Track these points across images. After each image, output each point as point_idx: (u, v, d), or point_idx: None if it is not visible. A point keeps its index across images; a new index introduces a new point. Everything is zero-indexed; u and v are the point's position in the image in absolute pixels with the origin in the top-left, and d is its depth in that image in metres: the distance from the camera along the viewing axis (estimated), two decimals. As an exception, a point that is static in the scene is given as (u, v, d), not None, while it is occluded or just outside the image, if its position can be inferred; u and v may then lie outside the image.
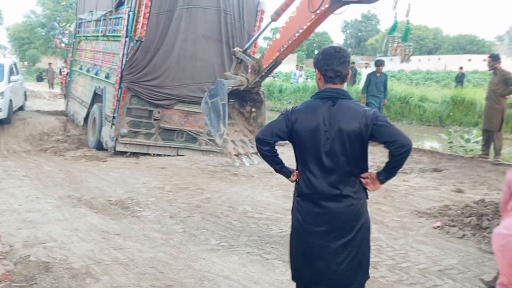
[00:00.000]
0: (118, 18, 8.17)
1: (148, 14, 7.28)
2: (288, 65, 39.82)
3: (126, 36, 7.53)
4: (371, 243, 4.38)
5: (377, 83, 9.83)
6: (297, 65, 26.90)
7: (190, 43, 7.74)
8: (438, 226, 4.95)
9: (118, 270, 3.67)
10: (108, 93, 8.23)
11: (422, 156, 8.69)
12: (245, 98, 6.74)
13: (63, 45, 16.66)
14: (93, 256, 3.91)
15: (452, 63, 49.63)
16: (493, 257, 4.14)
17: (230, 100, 6.37)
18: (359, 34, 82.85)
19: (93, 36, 10.04)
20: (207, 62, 7.86)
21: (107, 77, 8.44)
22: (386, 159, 2.39)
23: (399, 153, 2.29)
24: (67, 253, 3.95)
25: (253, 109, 6.84)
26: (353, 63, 22.94)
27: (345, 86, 13.36)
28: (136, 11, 7.34)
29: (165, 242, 4.32)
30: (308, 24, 5.17)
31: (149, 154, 8.09)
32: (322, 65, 2.44)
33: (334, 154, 2.36)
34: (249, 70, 6.32)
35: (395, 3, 4.38)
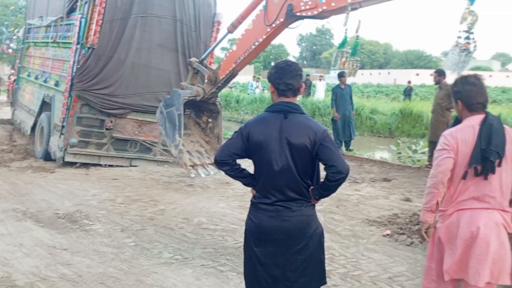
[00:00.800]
0: (70, 24, 7.91)
1: (101, 21, 7.11)
2: (245, 76, 40.05)
3: (78, 43, 7.30)
4: (325, 252, 4.51)
5: (343, 95, 10.16)
6: (254, 76, 27.17)
7: (144, 51, 7.61)
8: (388, 234, 5.11)
9: (65, 287, 3.51)
10: (57, 101, 7.91)
11: (373, 166, 8.98)
12: (202, 109, 6.70)
13: (10, 50, 15.90)
14: (39, 272, 3.72)
15: (401, 77, 51.90)
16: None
17: (186, 110, 6.32)
18: (314, 47, 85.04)
19: (42, 42, 9.65)
20: (163, 71, 7.75)
21: (56, 84, 8.13)
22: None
23: (334, 179, 2.36)
24: (10, 269, 3.73)
25: (209, 120, 6.81)
26: (308, 75, 23.50)
27: (299, 98, 13.68)
28: (88, 18, 7.14)
29: (115, 257, 4.18)
30: (264, 37, 5.27)
31: (100, 165, 7.82)
32: (275, 78, 2.49)
33: (285, 167, 2.40)
34: (206, 81, 6.31)
35: (346, 19, 4.55)
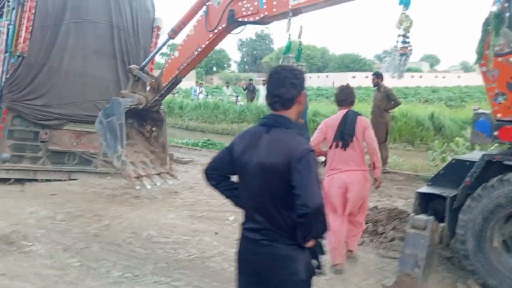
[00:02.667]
0: (-4, 31, 7.35)
1: (31, 28, 6.67)
2: (188, 82, 39.58)
3: (6, 52, 6.79)
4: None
5: None
6: (197, 82, 26.92)
7: (79, 59, 7.24)
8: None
9: (2, 318, 3.20)
10: (-14, 114, 7.30)
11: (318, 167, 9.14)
12: (145, 117, 6.45)
13: None
14: (-29, 304, 3.36)
15: (339, 80, 53.69)
16: (392, 261, 4.47)
17: (128, 119, 6.06)
18: (255, 52, 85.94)
19: (-36, 50, 8.88)
20: (100, 79, 7.41)
21: (-17, 96, 7.50)
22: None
23: (298, 214, 1.96)
24: None
25: (153, 129, 6.56)
26: (251, 80, 23.65)
27: (243, 102, 13.65)
28: (17, 25, 6.67)
29: (59, 279, 3.90)
30: (207, 42, 5.18)
31: (36, 180, 7.31)
32: (267, 89, 2.19)
33: (256, 191, 2.10)
34: (148, 88, 6.09)
35: (288, 25, 4.58)
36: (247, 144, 2.16)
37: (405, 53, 3.91)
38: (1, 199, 6.44)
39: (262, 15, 4.70)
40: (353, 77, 52.54)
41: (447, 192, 4.13)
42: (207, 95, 24.18)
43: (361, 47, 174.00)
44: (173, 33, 5.52)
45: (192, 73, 53.17)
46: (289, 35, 4.71)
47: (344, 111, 4.28)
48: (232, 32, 5.15)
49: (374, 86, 8.49)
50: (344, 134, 4.15)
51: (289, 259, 2.06)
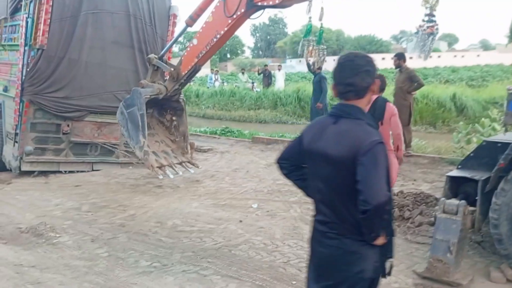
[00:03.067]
0: (15, 25, 7.42)
1: (49, 21, 6.67)
2: (203, 69, 39.44)
3: (26, 45, 6.82)
4: (307, 244, 4.45)
5: (313, 84, 9.93)
6: (212, 69, 26.80)
7: (98, 50, 7.23)
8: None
9: (36, 309, 3.25)
10: (7, 107, 7.41)
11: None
12: (164, 107, 6.45)
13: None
14: (6, 296, 3.42)
15: (355, 62, 52.95)
16: (421, 247, 4.40)
17: (148, 109, 6.06)
18: (268, 37, 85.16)
19: (-15, 45, 8.98)
20: (119, 69, 7.41)
21: (5, 90, 7.62)
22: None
23: (361, 211, 1.88)
24: (-28, 296, 3.41)
25: (173, 118, 6.57)
26: (266, 65, 23.45)
27: (259, 89, 13.52)
28: (35, 18, 6.68)
29: (89, 270, 3.92)
30: (225, 29, 5.11)
31: (60, 172, 7.40)
32: (335, 78, 2.08)
33: (323, 182, 2.03)
34: (167, 78, 6.06)
35: (309, 7, 4.47)
36: (313, 135, 2.09)
37: (432, 32, 3.78)
38: (26, 191, 6.55)
39: None
40: (370, 59, 51.65)
41: (479, 175, 4.01)
42: (222, 82, 24.11)
43: (377, 28, 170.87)
44: (191, 21, 5.47)
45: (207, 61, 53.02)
46: (310, 17, 4.61)
47: (374, 96, 4.44)
48: (251, 17, 5.05)
49: (396, 67, 8.28)
50: (374, 118, 4.31)
51: (356, 255, 1.99)
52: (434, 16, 3.85)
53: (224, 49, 69.08)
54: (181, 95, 6.38)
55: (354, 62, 2.02)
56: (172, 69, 5.80)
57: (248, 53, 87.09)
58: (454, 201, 3.92)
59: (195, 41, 5.49)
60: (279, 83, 20.53)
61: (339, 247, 2.00)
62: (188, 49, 5.64)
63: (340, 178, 1.97)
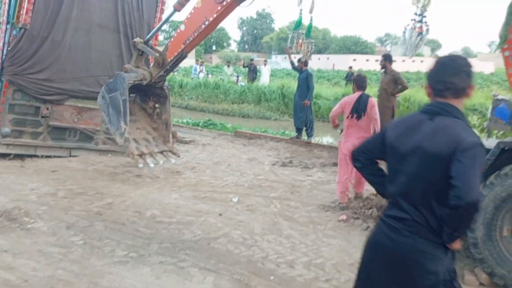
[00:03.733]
0: (-4, 2, 7.15)
1: (33, -1, 6.47)
2: (187, 60, 39.05)
3: (8, 23, 6.60)
4: (286, 240, 4.46)
5: (298, 80, 9.87)
6: (196, 60, 26.60)
7: (83, 32, 7.05)
8: (343, 220, 5.17)
9: (8, 295, 3.16)
10: (-15, 87, 7.15)
11: (322, 151, 9.10)
12: (148, 93, 6.32)
13: None
14: (-25, 281, 3.31)
15: (340, 62, 53.34)
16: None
17: (131, 95, 5.93)
18: (255, 31, 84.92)
19: (-38, 21, 8.66)
20: (103, 53, 7.24)
21: (-18, 69, 7.34)
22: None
23: (451, 206, 1.86)
24: None
25: (156, 105, 6.43)
26: (252, 59, 23.38)
27: (244, 83, 13.51)
28: (19, -5, 6.46)
29: (63, 257, 3.84)
30: (214, 15, 5.02)
31: (36, 156, 7.21)
32: (433, 76, 2.08)
33: (409, 177, 2.02)
34: (152, 63, 5.94)
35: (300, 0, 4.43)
36: (404, 130, 2.09)
37: (421, 32, 3.80)
38: (1, 174, 6.35)
39: None
40: (354, 59, 52.14)
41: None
42: (207, 74, 23.92)
43: (362, 30, 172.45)
44: (179, 6, 5.35)
45: (191, 52, 52.58)
46: (301, 10, 4.59)
47: (359, 93, 5.60)
48: (241, 4, 4.97)
49: (382, 68, 8.35)
50: (359, 110, 5.50)
51: (430, 256, 1.97)
52: (425, 16, 3.87)
53: (209, 41, 68.56)
54: (165, 83, 6.26)
55: (456, 62, 2.06)
56: (158, 55, 5.68)
57: (234, 46, 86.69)
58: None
59: (182, 27, 5.38)
60: (264, 78, 20.50)
61: (413, 245, 1.98)
62: (175, 34, 5.53)
63: (431, 173, 1.96)
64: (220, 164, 7.86)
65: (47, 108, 6.99)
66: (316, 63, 53.60)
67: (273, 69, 33.68)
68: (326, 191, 6.35)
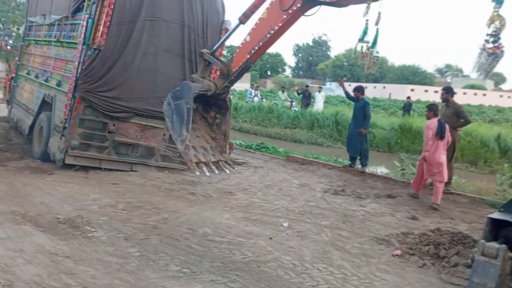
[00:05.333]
0: (75, 24, 7.76)
1: (108, 23, 6.97)
2: (242, 84, 39.98)
3: (84, 44, 7.13)
4: (337, 271, 4.39)
5: (354, 109, 9.79)
6: (252, 84, 27.15)
7: (151, 56, 7.48)
8: (398, 255, 5.00)
9: (69, 299, 3.34)
10: (58, 101, 7.73)
11: (376, 181, 8.89)
12: (210, 103, 6.43)
13: (8, 47, 15.65)
14: (41, 281, 3.54)
15: (396, 92, 52.29)
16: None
17: (194, 103, 6.09)
18: (310, 58, 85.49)
19: (44, 40, 9.47)
20: (168, 76, 7.61)
21: (58, 84, 7.96)
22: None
23: None
24: (12, 277, 3.55)
25: (217, 116, 6.51)
26: (307, 86, 23.51)
27: (297, 108, 13.66)
28: (95, 19, 6.99)
29: (121, 267, 4.01)
30: (280, 24, 5.04)
31: (99, 168, 7.64)
32: None
33: None
34: (218, 74, 6.07)
35: (367, 9, 4.40)
36: None
37: (494, 53, 3.65)
38: (66, 183, 6.79)
39: None
40: (412, 90, 50.88)
41: (522, 220, 3.87)
42: (261, 99, 24.32)
43: (422, 59, 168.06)
44: (244, 18, 5.44)
45: (247, 76, 53.61)
46: (367, 20, 4.53)
47: (436, 118, 7.39)
48: (306, 13, 5.01)
49: (443, 101, 8.12)
50: (442, 132, 7.21)
51: None
52: (499, 38, 3.70)
53: (265, 66, 69.76)
54: (228, 94, 6.37)
55: None
56: (223, 66, 5.78)
57: (288, 72, 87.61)
58: (494, 245, 3.79)
59: (247, 38, 5.44)
60: (318, 104, 20.51)
61: None
62: (240, 46, 5.59)
63: None
64: (271, 187, 7.91)
65: (114, 125, 7.41)
66: (372, 91, 52.83)
67: (327, 96, 33.62)
68: (380, 223, 6.18)
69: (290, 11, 4.86)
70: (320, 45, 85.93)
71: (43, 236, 4.55)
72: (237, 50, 5.56)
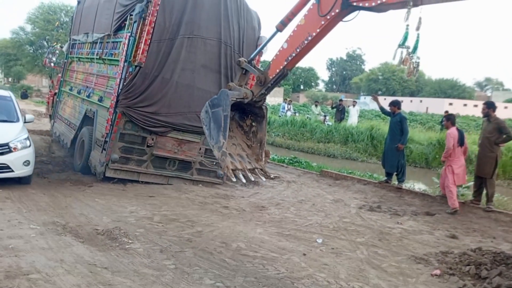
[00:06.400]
0: (117, 42, 8.08)
1: (149, 41, 7.22)
2: (275, 98, 40.16)
3: (125, 61, 7.41)
4: (372, 290, 4.28)
5: (390, 123, 9.68)
6: (285, 99, 27.21)
7: (189, 72, 7.67)
8: (437, 274, 4.84)
9: (107, 309, 3.42)
10: (100, 116, 8.03)
11: (414, 198, 8.66)
12: (246, 111, 6.46)
13: (52, 64, 16.42)
14: (81, 292, 3.65)
15: (434, 106, 50.97)
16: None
17: (231, 112, 6.16)
18: (344, 72, 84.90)
19: (87, 58, 9.90)
20: (205, 92, 7.76)
21: (100, 100, 8.27)
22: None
23: None
24: (53, 287, 3.68)
25: (253, 124, 6.52)
26: (341, 100, 23.30)
27: (331, 122, 13.68)
28: (137, 37, 7.27)
29: (156, 279, 4.08)
30: (318, 30, 5.01)
31: (137, 181, 7.84)
32: None
33: None
34: (255, 82, 6.12)
35: (407, 14, 4.32)
36: None
37: None
38: (105, 195, 7.01)
39: (379, 1, 4.43)
40: (450, 104, 49.48)
41: None
42: (294, 113, 24.29)
43: (460, 73, 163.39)
44: (282, 25, 5.44)
45: (280, 90, 53.85)
46: (407, 25, 4.46)
47: (455, 127, 8.12)
48: (344, 19, 4.99)
49: (484, 116, 7.86)
50: (463, 139, 7.95)
51: None
52: None
53: (298, 80, 69.81)
54: (265, 102, 6.40)
55: None
56: (260, 74, 5.80)
57: (321, 86, 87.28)
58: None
59: (285, 45, 5.43)
60: (353, 119, 20.26)
61: None
62: (278, 53, 5.61)
63: None
64: (304, 202, 7.85)
65: (152, 139, 7.62)
66: (408, 105, 51.72)
67: (362, 110, 33.18)
68: (417, 242, 6.00)
69: (328, 17, 4.84)
70: (354, 59, 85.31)
71: (82, 247, 4.71)
72: (274, 58, 5.53)
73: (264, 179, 6.17)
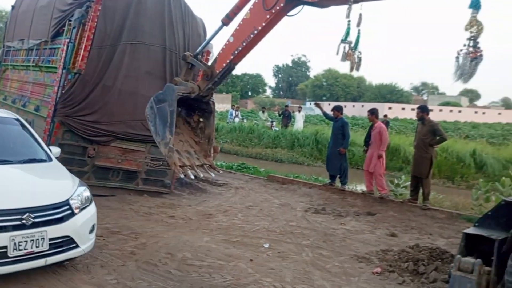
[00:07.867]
0: (54, 48, 7.72)
1: (89, 47, 6.97)
2: (223, 105, 40.13)
3: (64, 68, 7.08)
4: (317, 291, 4.38)
5: (333, 129, 10.08)
6: (233, 105, 27.30)
7: (132, 79, 7.46)
8: (378, 272, 5.05)
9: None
10: (37, 126, 7.59)
11: (356, 199, 8.99)
12: (193, 107, 6.35)
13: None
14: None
15: (375, 110, 53.14)
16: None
17: (177, 107, 6.04)
18: (290, 79, 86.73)
19: (22, 65, 9.39)
20: (149, 99, 7.59)
21: (36, 109, 7.87)
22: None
23: None
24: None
25: (201, 119, 6.41)
26: (287, 106, 23.78)
27: (278, 128, 14.27)
28: (76, 43, 6.98)
29: (97, 296, 3.93)
30: (263, 24, 5.04)
31: (77, 194, 7.50)
32: None
33: None
34: (201, 77, 6.06)
35: (348, 11, 4.51)
36: None
37: (476, 57, 3.74)
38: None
39: None
40: (390, 108, 51.88)
41: (496, 235, 3.96)
42: (242, 119, 24.44)
43: (398, 78, 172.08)
44: (227, 19, 5.41)
45: (228, 97, 53.95)
46: (349, 21, 4.62)
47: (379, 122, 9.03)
48: (289, 13, 5.07)
49: (419, 120, 8.34)
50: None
51: None
52: (478, 42, 3.80)
53: (245, 87, 70.36)
54: (212, 97, 6.33)
55: None
56: (207, 68, 5.59)
57: (269, 92, 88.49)
58: (470, 259, 3.87)
59: (231, 39, 5.37)
60: (298, 124, 20.73)
61: None
62: (224, 47, 5.55)
63: None
64: (252, 208, 7.91)
65: (94, 149, 7.31)
66: (351, 110, 53.66)
67: (307, 115, 33.99)
68: (359, 241, 6.24)
69: (273, 11, 4.89)
70: (299, 66, 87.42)
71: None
72: (221, 52, 5.47)
73: (213, 175, 6.07)
